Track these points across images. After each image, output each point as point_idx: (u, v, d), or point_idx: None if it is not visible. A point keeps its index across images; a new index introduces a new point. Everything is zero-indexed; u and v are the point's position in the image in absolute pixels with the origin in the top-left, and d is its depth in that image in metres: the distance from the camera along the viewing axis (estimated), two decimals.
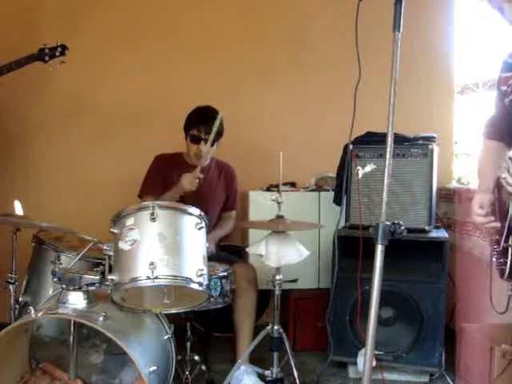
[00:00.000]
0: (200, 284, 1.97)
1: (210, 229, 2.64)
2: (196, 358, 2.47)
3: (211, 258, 2.34)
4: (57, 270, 2.02)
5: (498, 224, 1.96)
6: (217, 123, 2.63)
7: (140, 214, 1.99)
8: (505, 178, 1.84)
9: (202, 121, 2.81)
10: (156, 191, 2.84)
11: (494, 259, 2.00)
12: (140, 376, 1.87)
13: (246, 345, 2.59)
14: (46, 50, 2.90)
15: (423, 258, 2.70)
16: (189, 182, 2.66)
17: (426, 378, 2.72)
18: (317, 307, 3.04)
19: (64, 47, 2.93)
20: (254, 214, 3.20)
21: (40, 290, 2.38)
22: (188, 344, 2.43)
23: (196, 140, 2.83)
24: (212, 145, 2.83)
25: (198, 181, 2.67)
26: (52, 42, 2.91)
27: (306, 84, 3.64)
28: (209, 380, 2.56)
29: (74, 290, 1.99)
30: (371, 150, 2.75)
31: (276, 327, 2.38)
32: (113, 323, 1.94)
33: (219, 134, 2.86)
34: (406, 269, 2.69)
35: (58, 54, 2.91)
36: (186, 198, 2.69)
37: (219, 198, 3.04)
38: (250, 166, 3.45)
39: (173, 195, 2.69)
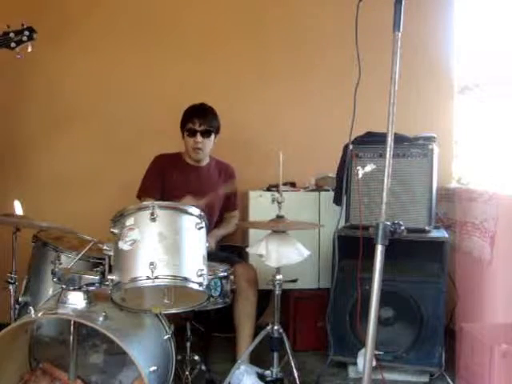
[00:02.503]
0: (200, 284, 1.97)
1: (210, 229, 2.66)
2: (196, 357, 2.47)
3: (212, 257, 2.35)
4: (57, 270, 2.02)
5: None
6: None
7: (140, 214, 1.99)
8: None
9: (196, 114, 2.86)
10: (154, 192, 2.85)
11: None
12: (140, 376, 1.87)
13: (246, 345, 2.59)
14: (11, 35, 2.51)
15: (423, 258, 2.70)
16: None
17: (425, 378, 2.72)
18: (317, 307, 3.04)
19: (31, 30, 2.55)
20: (253, 214, 3.20)
21: (40, 289, 2.38)
22: (188, 344, 2.44)
23: (192, 133, 2.85)
24: (207, 136, 2.83)
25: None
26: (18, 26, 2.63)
27: (306, 84, 3.64)
28: (209, 380, 2.56)
29: (74, 290, 1.99)
30: (371, 149, 2.75)
31: (276, 327, 2.38)
32: (113, 323, 1.94)
33: (215, 127, 2.88)
34: (406, 269, 2.69)
35: (25, 38, 2.53)
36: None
37: (219, 198, 3.05)
38: (250, 166, 3.45)
39: None
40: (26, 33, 2.53)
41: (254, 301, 2.66)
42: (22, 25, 2.54)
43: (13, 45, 2.51)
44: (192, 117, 2.86)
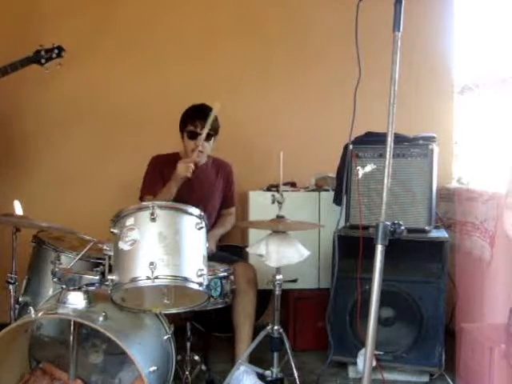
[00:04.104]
0: (200, 284, 1.97)
1: (209, 228, 2.66)
2: (196, 357, 2.47)
3: (211, 257, 2.34)
4: (57, 269, 2.02)
5: None
6: (214, 111, 2.67)
7: (140, 214, 1.99)
8: None
9: (197, 116, 2.84)
10: (156, 190, 2.85)
11: None
12: (140, 376, 1.87)
13: (245, 345, 2.58)
14: (42, 52, 2.83)
15: (423, 258, 2.70)
16: (184, 167, 2.67)
17: (426, 378, 2.72)
18: (317, 307, 3.04)
19: (60, 48, 2.86)
20: (253, 214, 3.20)
21: (40, 289, 2.38)
22: (188, 344, 2.44)
23: (193, 135, 2.84)
24: (208, 140, 2.83)
25: (193, 166, 2.67)
26: (49, 44, 2.88)
27: (306, 84, 3.64)
28: (209, 380, 2.56)
29: (74, 290, 1.99)
30: (371, 149, 2.75)
31: (276, 327, 2.38)
32: (113, 323, 1.94)
33: (215, 130, 2.88)
34: (406, 269, 2.69)
35: (54, 55, 2.84)
36: (186, 197, 2.70)
37: (218, 196, 3.05)
38: (249, 166, 3.45)
39: (170, 187, 2.70)
40: (56, 51, 2.84)
41: (254, 300, 2.66)
42: (53, 44, 2.85)
43: (43, 61, 2.82)
44: (193, 119, 2.84)
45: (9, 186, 3.30)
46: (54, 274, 2.02)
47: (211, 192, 3.00)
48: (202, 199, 2.81)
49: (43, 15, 3.38)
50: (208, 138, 2.85)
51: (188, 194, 2.75)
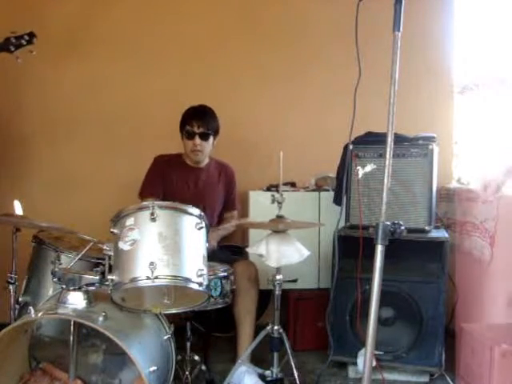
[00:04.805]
0: (200, 284, 1.97)
1: (210, 229, 2.66)
2: (196, 357, 2.47)
3: (212, 257, 2.35)
4: (57, 269, 2.02)
5: None
6: None
7: (140, 214, 1.99)
8: None
9: (195, 116, 2.86)
10: (156, 191, 2.85)
11: None
12: (140, 376, 1.87)
13: (246, 343, 2.58)
14: (12, 39, 2.63)
15: (423, 258, 2.70)
16: None
17: (426, 378, 2.72)
18: (317, 307, 3.04)
19: (32, 35, 2.67)
20: (253, 214, 3.20)
21: (40, 289, 2.38)
22: (188, 344, 2.43)
23: (191, 135, 2.86)
24: (206, 139, 2.83)
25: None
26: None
27: (306, 84, 3.64)
28: (209, 380, 2.56)
29: (74, 290, 1.99)
30: (371, 149, 2.75)
31: (276, 327, 2.38)
32: (113, 323, 1.94)
33: (216, 130, 2.88)
34: (406, 269, 2.69)
35: (24, 42, 2.65)
36: (186, 199, 2.70)
37: (219, 198, 3.05)
38: (249, 166, 3.45)
39: None
40: (26, 37, 2.65)
41: (255, 298, 2.65)
42: (25, 31, 2.65)
43: (12, 48, 2.63)
44: (191, 119, 2.86)
45: (9, 186, 3.30)
46: (53, 274, 2.02)
47: (212, 194, 2.99)
48: (203, 200, 2.81)
49: (43, 15, 3.38)
50: (205, 137, 2.85)
51: (188, 196, 2.75)
